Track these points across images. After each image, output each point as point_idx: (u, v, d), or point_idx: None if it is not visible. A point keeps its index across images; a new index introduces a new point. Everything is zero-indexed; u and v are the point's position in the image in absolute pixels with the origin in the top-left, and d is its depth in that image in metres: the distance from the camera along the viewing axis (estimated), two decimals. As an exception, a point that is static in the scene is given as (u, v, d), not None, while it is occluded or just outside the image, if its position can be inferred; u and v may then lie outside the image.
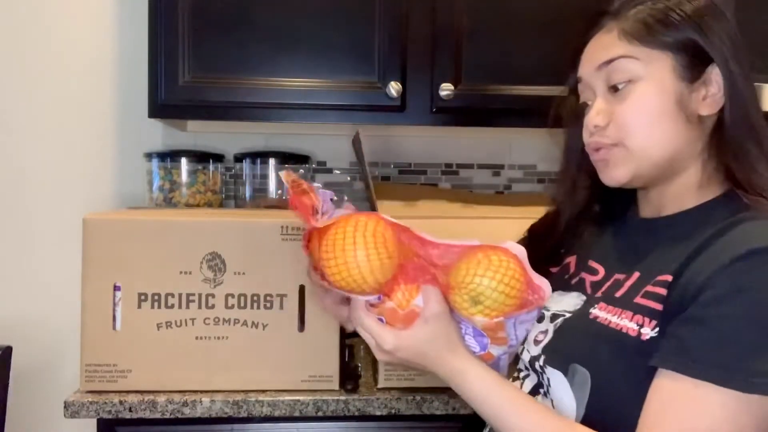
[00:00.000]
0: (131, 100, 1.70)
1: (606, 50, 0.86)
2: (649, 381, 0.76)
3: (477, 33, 1.47)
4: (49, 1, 1.68)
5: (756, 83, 1.37)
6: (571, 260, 1.00)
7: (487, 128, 1.66)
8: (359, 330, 0.88)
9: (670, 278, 0.79)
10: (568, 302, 0.91)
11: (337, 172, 1.80)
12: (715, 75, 0.84)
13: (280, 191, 1.67)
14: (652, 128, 0.83)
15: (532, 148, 1.82)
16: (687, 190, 0.87)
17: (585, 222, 0.99)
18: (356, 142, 1.49)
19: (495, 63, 1.47)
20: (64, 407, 1.18)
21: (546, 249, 1.01)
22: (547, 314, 0.92)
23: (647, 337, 0.78)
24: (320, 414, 1.22)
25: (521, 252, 0.85)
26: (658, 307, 0.79)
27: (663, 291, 0.79)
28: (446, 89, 1.45)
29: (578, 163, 0.96)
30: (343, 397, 1.23)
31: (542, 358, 0.88)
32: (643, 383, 0.76)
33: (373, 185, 1.43)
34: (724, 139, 0.84)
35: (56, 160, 1.70)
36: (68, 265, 1.64)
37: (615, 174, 0.87)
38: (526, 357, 0.92)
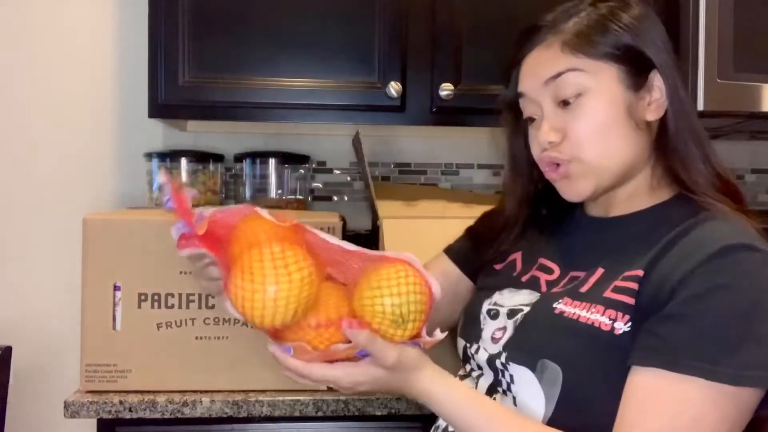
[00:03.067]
0: (131, 100, 1.70)
1: (550, 65, 0.87)
2: (623, 375, 0.77)
3: (477, 33, 1.47)
4: (49, 2, 1.68)
5: (756, 83, 1.38)
6: (516, 257, 1.00)
7: (487, 128, 1.65)
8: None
9: (641, 273, 0.80)
10: (522, 298, 0.91)
11: (337, 172, 1.80)
12: (657, 81, 0.86)
13: (280, 191, 1.67)
14: (608, 140, 0.85)
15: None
16: (637, 193, 0.89)
17: (530, 222, 1.00)
18: (356, 142, 1.49)
19: (495, 63, 1.46)
20: (64, 407, 1.18)
21: (490, 249, 1.02)
22: (503, 311, 0.91)
23: (620, 331, 0.79)
24: (320, 414, 1.22)
25: (414, 259, 0.82)
26: (631, 301, 0.79)
27: (634, 285, 0.80)
28: (446, 89, 1.45)
29: (526, 173, 0.98)
30: (343, 397, 1.23)
31: (504, 355, 0.87)
32: (616, 378, 0.77)
33: (373, 185, 1.44)
34: (669, 142, 0.86)
35: (56, 160, 1.70)
36: (68, 265, 1.64)
37: (579, 189, 0.88)
38: (482, 356, 0.91)
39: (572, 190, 0.88)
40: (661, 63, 0.86)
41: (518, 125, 0.96)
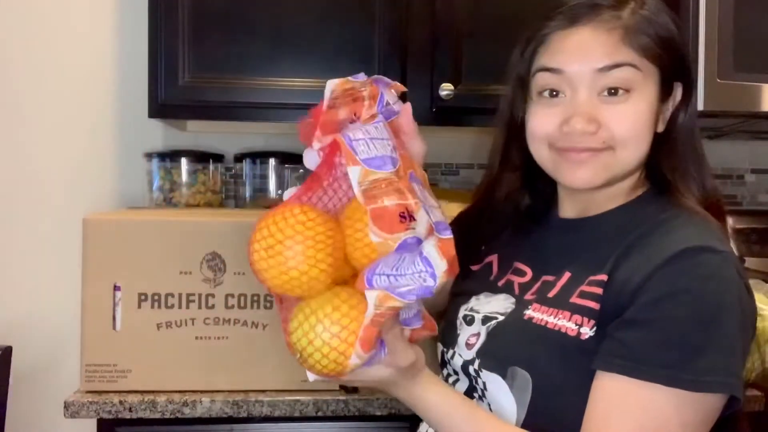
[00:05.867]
0: (131, 100, 1.69)
1: (610, 53, 0.81)
2: (590, 380, 0.77)
3: (477, 33, 1.47)
4: (49, 2, 1.68)
5: (756, 83, 1.37)
6: (493, 259, 0.99)
7: (487, 128, 1.65)
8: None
9: (605, 278, 0.80)
10: (498, 304, 0.91)
11: (337, 172, 1.80)
12: (677, 94, 0.86)
13: (280, 191, 1.66)
14: (639, 141, 0.84)
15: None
16: (620, 193, 0.88)
17: (506, 220, 0.98)
18: (356, 142, 1.49)
19: (495, 63, 1.46)
20: (64, 407, 1.18)
21: (467, 245, 0.98)
22: (478, 317, 0.91)
23: (586, 336, 0.79)
24: (320, 414, 1.22)
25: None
26: (596, 306, 0.79)
27: (599, 290, 0.80)
28: (446, 89, 1.45)
29: (516, 157, 0.95)
30: (343, 397, 1.23)
31: (477, 362, 0.87)
32: (584, 382, 0.77)
33: (373, 185, 1.43)
34: (672, 157, 0.86)
35: (56, 160, 1.70)
36: (68, 265, 1.63)
37: (590, 178, 0.84)
38: (457, 361, 0.90)
39: (580, 177, 0.84)
40: (689, 76, 0.85)
41: (525, 96, 0.90)
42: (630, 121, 0.82)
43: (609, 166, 0.83)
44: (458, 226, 1.06)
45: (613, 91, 0.82)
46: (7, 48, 1.68)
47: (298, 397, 1.22)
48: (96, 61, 1.70)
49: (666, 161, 0.86)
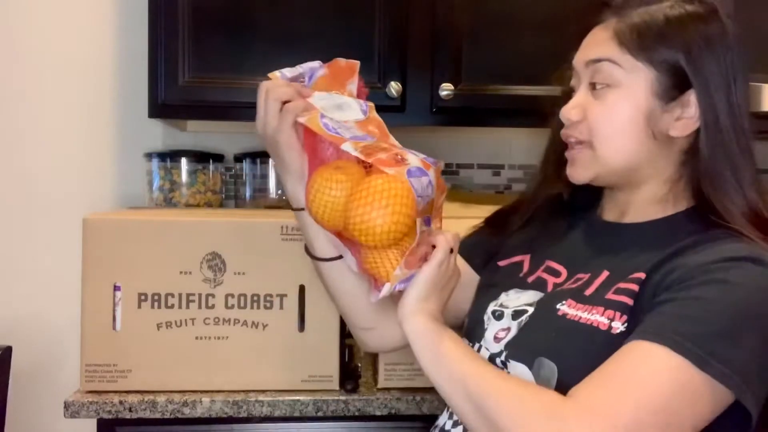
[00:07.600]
0: (131, 100, 1.69)
1: (597, 47, 0.87)
2: None
3: (477, 33, 1.47)
4: (49, 2, 1.68)
5: (756, 83, 1.37)
6: (525, 258, 0.99)
7: (487, 128, 1.65)
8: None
9: (643, 276, 0.81)
10: (527, 298, 0.91)
11: (337, 172, 1.80)
12: (693, 101, 0.84)
13: (280, 191, 1.66)
14: (616, 137, 0.85)
15: (532, 147, 1.80)
16: (652, 202, 0.89)
17: (540, 220, 1.00)
18: (356, 142, 1.49)
19: (495, 63, 1.47)
20: (64, 407, 1.18)
21: (498, 241, 1.03)
22: (507, 312, 0.91)
23: (617, 330, 0.79)
24: (320, 414, 1.22)
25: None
26: (629, 302, 0.80)
27: (635, 287, 0.80)
28: (446, 89, 1.45)
29: (560, 152, 0.95)
30: (343, 397, 1.23)
31: (504, 353, 0.88)
32: None
33: (373, 185, 1.43)
34: (701, 166, 0.85)
35: (56, 160, 1.70)
36: (68, 265, 1.63)
37: (579, 173, 0.90)
38: (483, 355, 0.91)
39: (575, 173, 0.90)
40: (703, 86, 0.83)
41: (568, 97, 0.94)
42: (605, 113, 0.85)
43: (591, 161, 0.87)
44: (493, 220, 1.07)
45: (599, 85, 0.86)
46: (7, 48, 1.68)
47: (298, 397, 1.22)
48: (96, 61, 1.70)
49: (698, 169, 0.85)
